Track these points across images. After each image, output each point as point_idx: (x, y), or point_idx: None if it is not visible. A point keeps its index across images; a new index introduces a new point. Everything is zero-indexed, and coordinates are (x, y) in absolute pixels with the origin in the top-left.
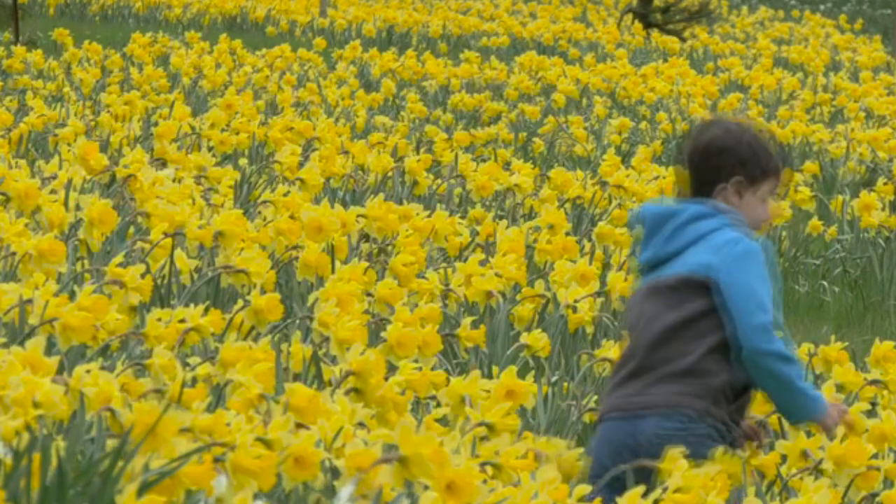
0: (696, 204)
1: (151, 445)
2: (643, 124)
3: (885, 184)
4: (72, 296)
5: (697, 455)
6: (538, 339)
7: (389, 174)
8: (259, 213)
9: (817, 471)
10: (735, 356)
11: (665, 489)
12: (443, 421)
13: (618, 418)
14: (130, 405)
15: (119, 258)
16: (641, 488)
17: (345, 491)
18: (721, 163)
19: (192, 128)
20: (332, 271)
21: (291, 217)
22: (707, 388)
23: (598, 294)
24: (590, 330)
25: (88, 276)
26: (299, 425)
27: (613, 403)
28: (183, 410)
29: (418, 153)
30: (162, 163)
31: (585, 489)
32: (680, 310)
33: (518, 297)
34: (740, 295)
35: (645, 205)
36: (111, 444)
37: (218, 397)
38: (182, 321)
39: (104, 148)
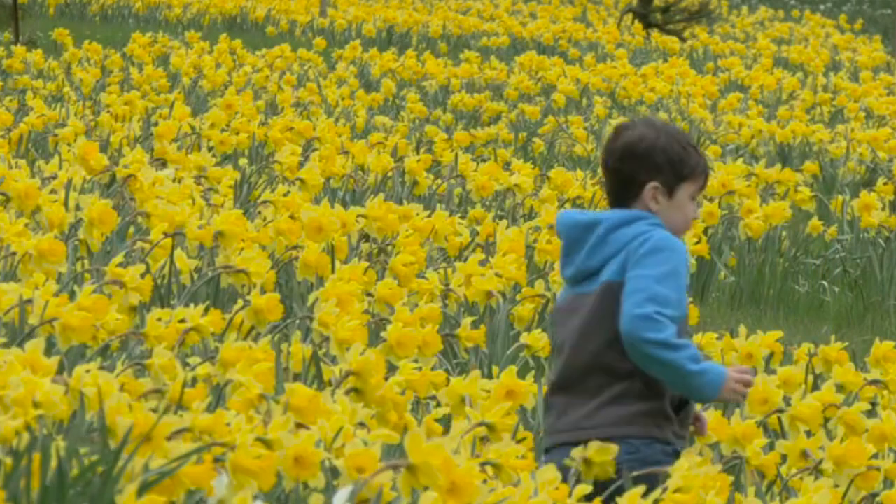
0: (618, 212)
1: (146, 450)
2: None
3: (885, 184)
4: (72, 296)
5: (652, 479)
6: (538, 339)
7: (389, 174)
8: (259, 213)
9: (817, 471)
10: None
11: (665, 489)
12: (443, 421)
13: (569, 448)
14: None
15: (119, 258)
16: (642, 488)
17: (342, 493)
18: (637, 167)
19: (192, 128)
20: (332, 271)
21: (291, 217)
22: (650, 407)
23: None
24: None
25: (88, 276)
26: (299, 425)
27: (561, 431)
28: (183, 411)
29: (418, 153)
30: (162, 163)
31: (586, 489)
32: (609, 325)
33: (518, 297)
34: (631, 285)
35: (562, 215)
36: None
37: (218, 397)
38: (182, 321)
39: (104, 148)
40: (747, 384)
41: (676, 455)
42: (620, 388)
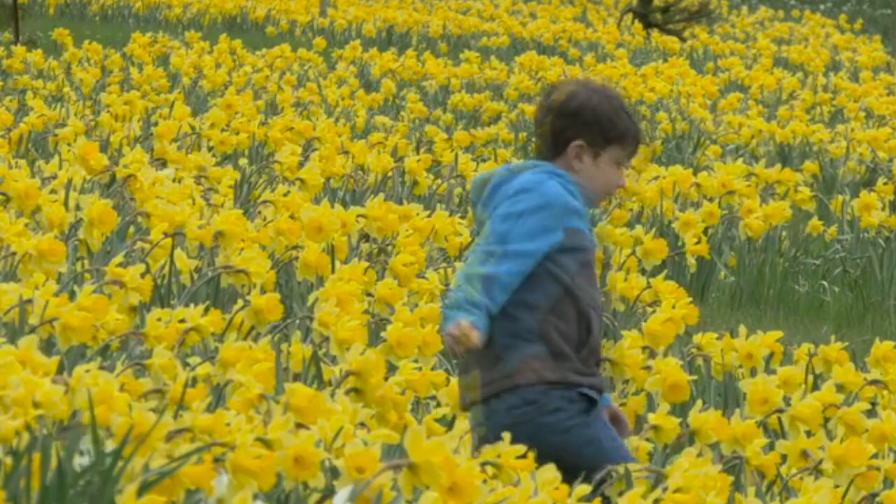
0: (509, 165)
1: (143, 451)
2: (643, 124)
3: (885, 184)
4: (72, 296)
5: (551, 427)
6: None
7: (389, 174)
8: (259, 213)
9: (817, 471)
10: (554, 307)
11: (665, 489)
12: (443, 421)
13: (479, 403)
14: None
15: (119, 258)
16: (643, 488)
17: (342, 493)
18: (565, 125)
19: (192, 128)
20: (332, 271)
21: (291, 217)
22: (539, 350)
23: None
24: None
25: (88, 276)
26: (299, 425)
27: (470, 388)
28: (184, 411)
29: (418, 153)
30: (162, 163)
31: (585, 489)
32: None
33: None
34: (490, 224)
35: (475, 176)
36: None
37: (218, 397)
38: (182, 321)
39: (104, 148)
40: (455, 339)
41: (585, 399)
42: (510, 336)
